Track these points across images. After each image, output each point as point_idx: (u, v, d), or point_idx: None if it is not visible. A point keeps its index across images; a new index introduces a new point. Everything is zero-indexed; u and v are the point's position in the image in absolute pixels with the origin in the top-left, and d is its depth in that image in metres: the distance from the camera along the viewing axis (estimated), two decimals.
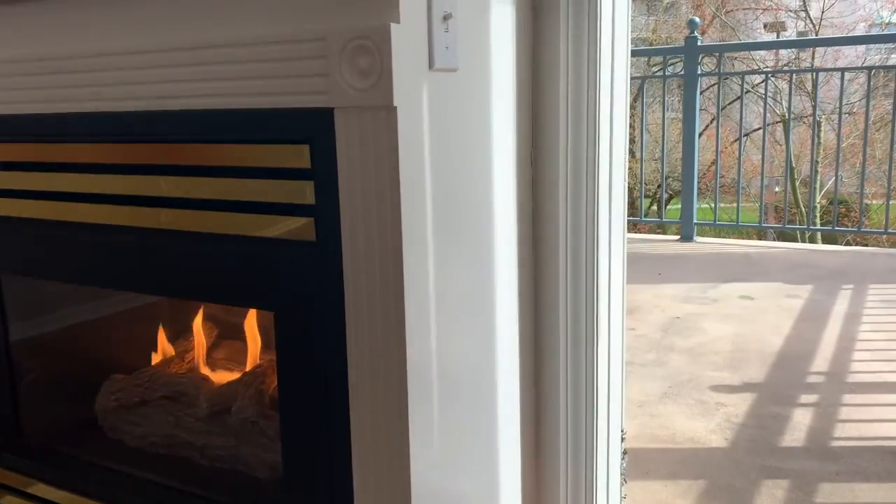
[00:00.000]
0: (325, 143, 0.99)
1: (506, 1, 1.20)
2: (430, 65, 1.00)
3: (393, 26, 0.91)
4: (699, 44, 4.32)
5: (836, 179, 4.43)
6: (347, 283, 1.01)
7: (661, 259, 4.07)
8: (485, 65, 1.15)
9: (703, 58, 4.35)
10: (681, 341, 2.70)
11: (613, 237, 1.42)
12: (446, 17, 1.01)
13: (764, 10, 14.74)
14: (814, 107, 6.69)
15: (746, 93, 10.51)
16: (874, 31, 18.74)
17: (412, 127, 0.97)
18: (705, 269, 3.79)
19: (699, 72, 4.36)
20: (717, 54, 4.32)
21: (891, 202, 4.10)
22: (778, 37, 18.07)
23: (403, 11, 0.93)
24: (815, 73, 4.36)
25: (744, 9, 14.97)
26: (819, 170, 10.44)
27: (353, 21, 0.95)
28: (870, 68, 4.78)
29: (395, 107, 0.93)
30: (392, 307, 0.98)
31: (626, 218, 1.50)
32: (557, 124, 1.28)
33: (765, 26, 18.17)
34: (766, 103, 4.48)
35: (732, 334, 2.75)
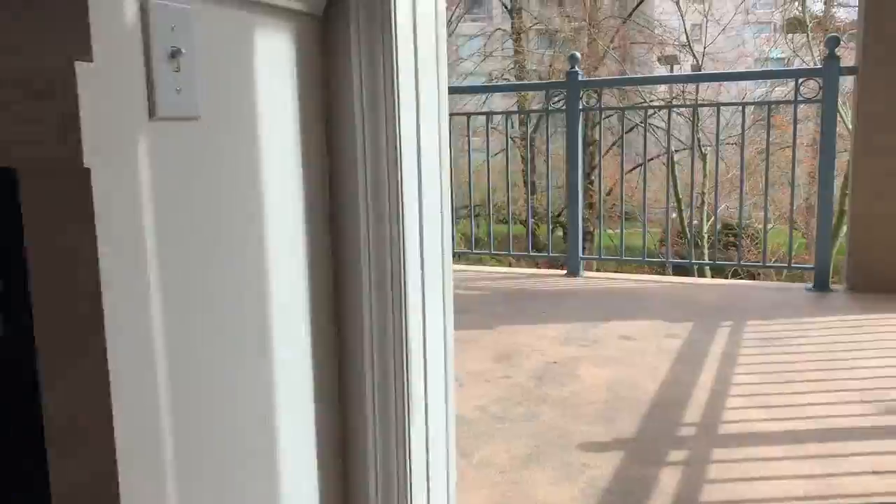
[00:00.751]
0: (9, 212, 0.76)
1: (279, 36, 1.01)
2: (151, 113, 0.79)
3: (80, 66, 0.70)
4: (580, 78, 4.29)
5: (715, 213, 4.45)
6: None
7: (547, 296, 3.96)
8: (247, 109, 0.95)
9: (584, 93, 4.32)
10: (555, 390, 2.56)
11: (430, 290, 1.24)
12: (174, 55, 0.80)
13: (654, 44, 15.30)
14: (697, 140, 6.82)
15: (631, 129, 10.81)
16: (758, 66, 19.77)
17: (122, 191, 0.76)
18: (589, 306, 3.71)
19: (581, 106, 4.32)
20: (599, 89, 4.31)
21: (769, 233, 4.15)
22: (671, 70, 18.85)
23: (101, 46, 0.72)
24: (696, 109, 4.43)
25: (632, 43, 15.49)
26: (707, 200, 10.83)
27: (26, 59, 0.73)
28: (744, 104, 4.88)
29: (88, 168, 0.72)
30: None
31: (448, 260, 1.33)
32: (355, 169, 1.10)
33: (658, 59, 18.93)
34: (645, 138, 4.49)
35: (609, 380, 2.64)
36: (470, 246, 4.82)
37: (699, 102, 11.25)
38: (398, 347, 1.15)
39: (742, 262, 4.40)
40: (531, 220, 4.74)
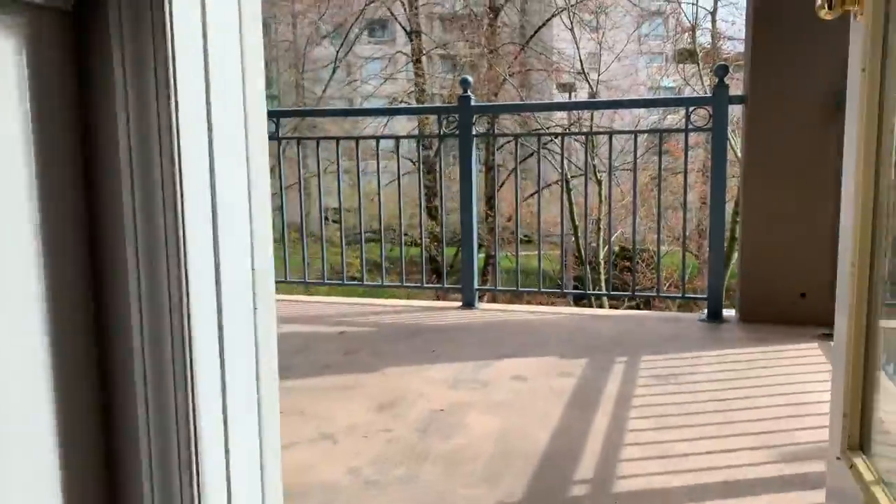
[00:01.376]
0: None
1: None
2: None
3: None
4: (472, 103, 4.12)
5: (609, 241, 4.37)
6: None
7: (441, 332, 3.73)
8: None
9: (477, 118, 4.16)
10: (439, 444, 2.32)
11: (228, 342, 0.97)
12: None
13: (552, 71, 15.55)
14: (593, 166, 6.83)
15: (529, 156, 10.87)
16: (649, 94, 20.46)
17: None
18: (483, 342, 3.50)
19: (474, 132, 4.15)
20: (492, 115, 4.16)
21: (666, 256, 4.08)
22: (570, 97, 19.26)
23: None
24: (589, 136, 4.36)
25: (529, 70, 15.69)
26: (603, 226, 10.98)
27: None
28: (636, 132, 4.85)
29: None
30: None
31: (266, 330, 1.06)
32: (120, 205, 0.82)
33: (557, 86, 19.32)
34: (539, 165, 4.37)
35: (498, 430, 2.42)
36: (369, 277, 4.55)
37: (594, 130, 11.44)
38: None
39: (636, 293, 4.32)
40: (424, 252, 4.50)
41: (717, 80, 3.77)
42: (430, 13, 18.27)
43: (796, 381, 2.89)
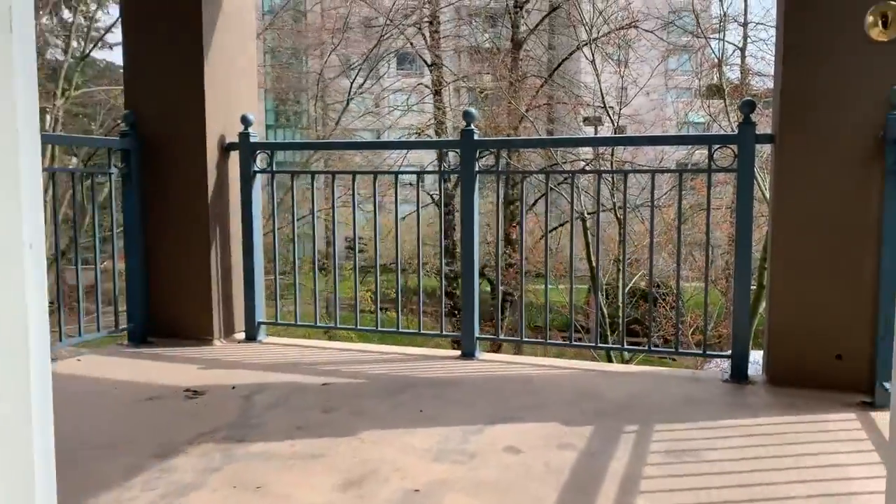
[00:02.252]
0: None
1: None
2: None
3: None
4: (475, 137, 3.82)
5: (621, 296, 4.00)
6: None
7: (433, 387, 3.39)
8: None
9: (481, 153, 3.85)
10: None
11: None
12: None
13: (575, 104, 15.28)
14: (614, 203, 6.48)
15: (541, 197, 10.54)
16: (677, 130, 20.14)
17: None
18: (477, 401, 3.15)
19: (477, 168, 3.84)
20: (496, 150, 3.85)
21: (691, 297, 3.71)
22: (595, 131, 18.96)
23: None
24: (600, 176, 4.04)
25: (548, 103, 15.43)
26: (620, 268, 10.55)
27: None
28: (654, 171, 4.51)
29: None
30: None
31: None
32: None
33: (584, 120, 19.04)
34: (547, 205, 4.04)
35: None
36: (369, 320, 4.23)
37: (615, 167, 11.06)
38: None
39: (652, 349, 3.95)
40: (421, 295, 4.18)
41: (742, 117, 3.43)
42: (457, 45, 18.20)
43: (835, 463, 2.50)
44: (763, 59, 17.48)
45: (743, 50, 18.84)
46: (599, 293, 10.32)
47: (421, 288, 4.09)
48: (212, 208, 4.15)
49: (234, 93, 4.30)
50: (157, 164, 4.16)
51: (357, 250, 3.99)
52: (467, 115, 3.87)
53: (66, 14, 15.13)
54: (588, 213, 10.54)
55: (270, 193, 4.22)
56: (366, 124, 18.76)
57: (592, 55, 13.63)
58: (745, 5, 18.24)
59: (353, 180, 4.07)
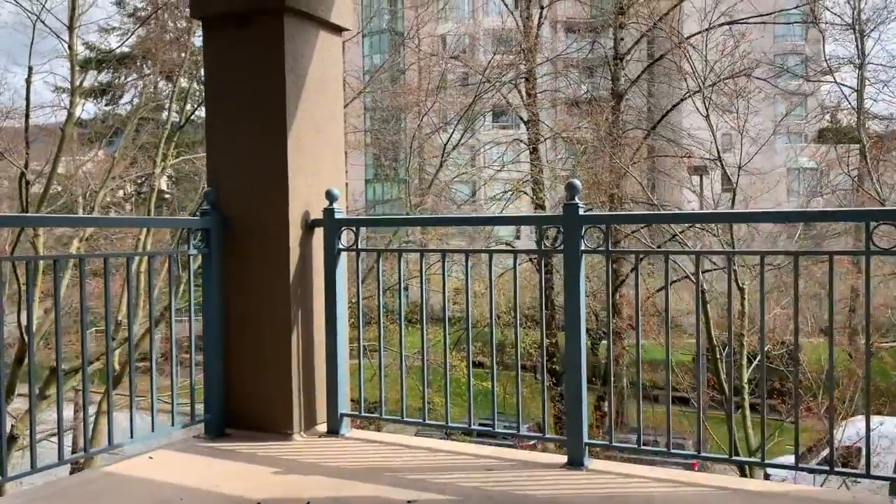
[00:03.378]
0: None
1: None
2: None
3: None
4: (580, 212, 3.37)
5: (762, 400, 3.38)
6: None
7: None
8: None
9: (587, 229, 3.39)
10: None
11: None
12: None
13: (681, 157, 14.56)
14: (735, 280, 5.81)
15: (672, 283, 9.82)
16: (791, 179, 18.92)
17: None
18: None
19: (583, 247, 3.38)
20: (605, 226, 3.37)
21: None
22: (701, 181, 18.04)
23: None
24: (699, 257, 3.54)
25: (661, 156, 14.77)
26: (746, 341, 9.67)
27: None
28: (797, 253, 3.88)
29: None
30: None
31: None
32: None
33: (688, 169, 18.18)
34: (668, 293, 3.49)
35: None
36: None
37: (736, 248, 10.25)
38: None
39: (801, 465, 3.32)
40: (518, 385, 3.71)
41: None
42: (554, 98, 17.90)
43: None
44: (882, 101, 16.27)
45: (860, 92, 17.65)
46: (730, 400, 9.38)
47: (519, 381, 3.62)
48: (293, 289, 3.85)
49: (319, 166, 4.04)
50: (237, 243, 3.92)
51: (447, 334, 3.58)
52: (571, 189, 3.43)
53: (184, 82, 15.75)
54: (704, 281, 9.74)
55: (356, 271, 3.90)
56: (462, 178, 18.62)
57: (706, 107, 12.84)
58: (861, 45, 17.07)
59: (444, 260, 3.68)
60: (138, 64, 18.67)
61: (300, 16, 3.90)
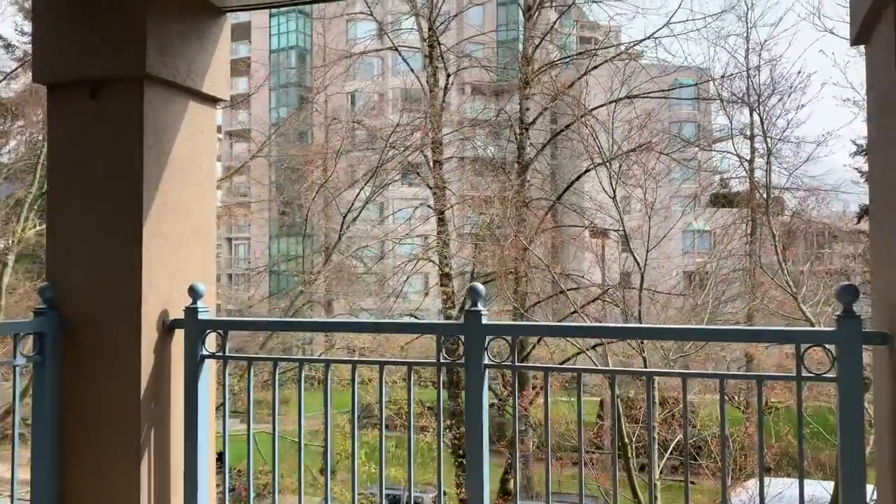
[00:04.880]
0: None
1: None
2: None
3: None
4: (484, 322, 2.94)
5: None
6: None
7: None
8: None
9: (491, 340, 2.97)
10: None
11: None
12: None
13: (586, 227, 14.63)
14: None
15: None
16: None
17: None
18: None
19: (486, 360, 2.95)
20: (511, 337, 2.95)
21: None
22: (602, 244, 18.23)
23: None
24: (614, 376, 3.18)
25: (567, 226, 14.80)
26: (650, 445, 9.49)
27: None
28: (721, 376, 3.58)
29: None
30: None
31: None
32: None
33: (590, 233, 18.35)
34: (580, 414, 3.09)
35: None
36: None
37: (650, 368, 10.14)
38: None
39: None
40: None
41: (842, 308, 2.55)
42: (462, 161, 17.81)
43: None
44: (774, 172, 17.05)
45: (751, 162, 18.49)
46: None
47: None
48: (145, 405, 3.22)
49: (183, 256, 3.47)
50: (78, 350, 3.27)
51: (329, 471, 3.04)
52: (473, 293, 3.01)
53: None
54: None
55: (223, 383, 3.33)
56: (375, 234, 18.15)
57: (610, 178, 12.89)
58: (752, 118, 17.91)
59: (326, 372, 3.15)
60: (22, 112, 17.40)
61: (164, 85, 3.38)
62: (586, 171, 14.20)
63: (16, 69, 15.62)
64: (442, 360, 3.03)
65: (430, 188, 14.98)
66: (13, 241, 11.83)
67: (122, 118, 3.30)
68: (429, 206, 15.64)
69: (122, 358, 3.24)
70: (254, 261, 24.60)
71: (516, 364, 3.00)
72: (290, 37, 36.14)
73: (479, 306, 2.96)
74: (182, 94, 3.49)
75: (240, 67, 26.56)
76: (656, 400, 9.76)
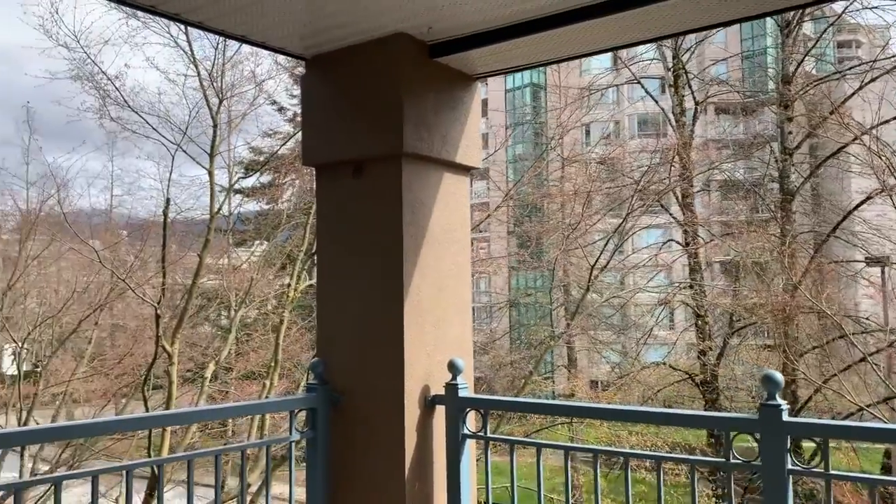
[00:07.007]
0: None
1: None
2: None
3: None
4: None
5: None
6: None
7: None
8: None
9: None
10: None
11: None
12: None
13: (866, 261, 12.86)
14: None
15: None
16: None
17: None
18: None
19: (790, 465, 2.46)
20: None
21: None
22: (884, 272, 15.90)
23: None
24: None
25: (835, 262, 13.05)
26: None
27: None
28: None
29: None
30: None
31: None
32: None
33: (866, 261, 16.15)
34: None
35: None
36: None
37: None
38: None
39: None
40: None
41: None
42: (709, 181, 16.56)
43: None
44: None
45: None
46: None
47: None
48: (409, 484, 3.18)
49: (441, 330, 3.41)
50: (347, 424, 3.32)
51: None
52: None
53: None
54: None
55: (486, 463, 3.18)
56: (613, 273, 17.51)
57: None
58: None
59: (595, 464, 2.87)
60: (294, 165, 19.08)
61: (421, 160, 3.38)
62: (868, 197, 12.43)
63: (294, 134, 17.13)
64: (732, 461, 2.61)
65: (681, 224, 14.04)
66: (288, 299, 12.99)
67: (382, 194, 3.34)
68: (677, 242, 14.73)
69: (386, 434, 3.22)
70: (494, 295, 24.97)
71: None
72: (525, 74, 36.78)
73: (778, 399, 2.51)
74: (437, 166, 3.47)
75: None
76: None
